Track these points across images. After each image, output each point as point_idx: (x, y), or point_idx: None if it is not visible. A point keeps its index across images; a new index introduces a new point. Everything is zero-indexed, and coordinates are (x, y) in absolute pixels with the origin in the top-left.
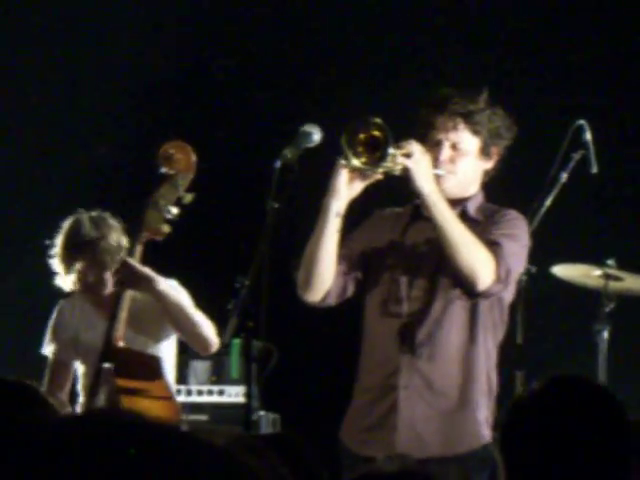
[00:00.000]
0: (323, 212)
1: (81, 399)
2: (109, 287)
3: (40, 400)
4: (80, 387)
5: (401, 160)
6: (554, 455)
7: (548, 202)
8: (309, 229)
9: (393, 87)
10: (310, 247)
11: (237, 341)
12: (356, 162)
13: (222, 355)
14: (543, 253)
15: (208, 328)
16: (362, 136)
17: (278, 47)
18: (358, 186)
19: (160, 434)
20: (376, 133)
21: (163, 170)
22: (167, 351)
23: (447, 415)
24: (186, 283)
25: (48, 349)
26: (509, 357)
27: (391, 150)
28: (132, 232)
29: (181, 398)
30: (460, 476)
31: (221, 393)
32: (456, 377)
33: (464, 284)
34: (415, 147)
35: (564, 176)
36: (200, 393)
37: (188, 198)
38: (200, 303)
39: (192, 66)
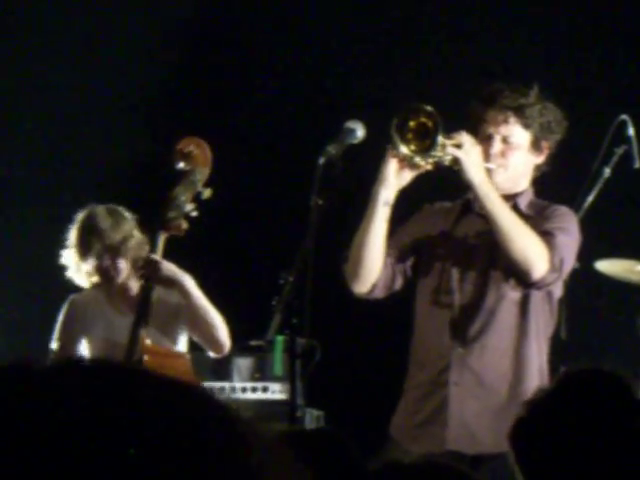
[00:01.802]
0: (372, 201)
1: None
2: (123, 277)
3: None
4: None
5: (451, 150)
6: (570, 452)
7: (591, 197)
8: (353, 225)
9: (441, 82)
10: (358, 236)
11: (281, 338)
12: (405, 149)
13: (266, 352)
14: (586, 248)
15: (223, 330)
16: (412, 123)
17: (323, 41)
18: (407, 176)
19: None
20: (426, 120)
21: (180, 166)
22: (182, 348)
23: (498, 411)
24: (231, 280)
25: (56, 344)
26: (553, 353)
27: (440, 139)
28: (152, 229)
29: (224, 395)
30: (510, 473)
31: (265, 390)
32: (507, 373)
33: (519, 273)
34: (466, 138)
35: (607, 171)
36: (244, 390)
37: (207, 193)
38: (245, 300)
39: (233, 60)
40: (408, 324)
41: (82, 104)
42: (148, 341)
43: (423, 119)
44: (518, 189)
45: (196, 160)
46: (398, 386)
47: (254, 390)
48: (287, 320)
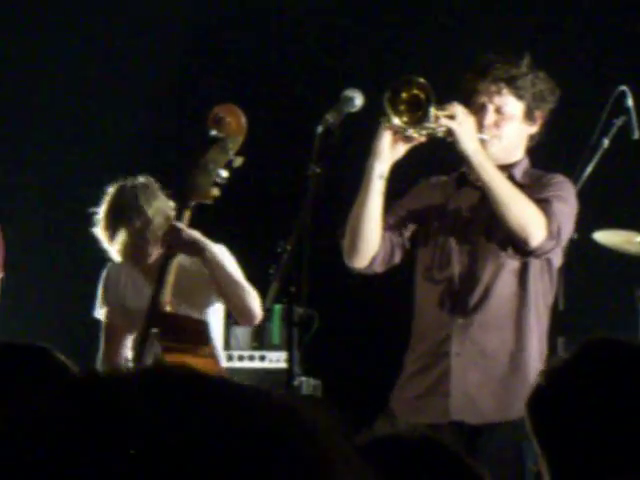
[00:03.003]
0: (366, 174)
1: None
2: (153, 258)
3: (58, 365)
4: (129, 354)
5: (444, 122)
6: (590, 420)
7: (590, 168)
8: (352, 195)
9: (437, 53)
10: (354, 210)
11: (278, 306)
12: (397, 121)
13: (263, 320)
14: (585, 219)
15: (254, 299)
16: (404, 95)
17: (320, 11)
18: (401, 148)
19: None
20: (418, 92)
21: (213, 133)
22: (213, 319)
23: (500, 381)
24: (228, 248)
25: (101, 312)
26: (551, 324)
27: (433, 110)
28: (181, 195)
29: (222, 364)
30: (513, 442)
31: (262, 359)
32: (508, 342)
33: (517, 242)
34: (458, 108)
35: (606, 142)
36: (241, 358)
37: (238, 161)
38: (242, 268)
39: (231, 33)
40: (406, 293)
41: (110, 74)
42: (168, 308)
43: (415, 91)
44: (513, 159)
45: (229, 127)
46: (396, 356)
47: (252, 359)
48: (285, 289)
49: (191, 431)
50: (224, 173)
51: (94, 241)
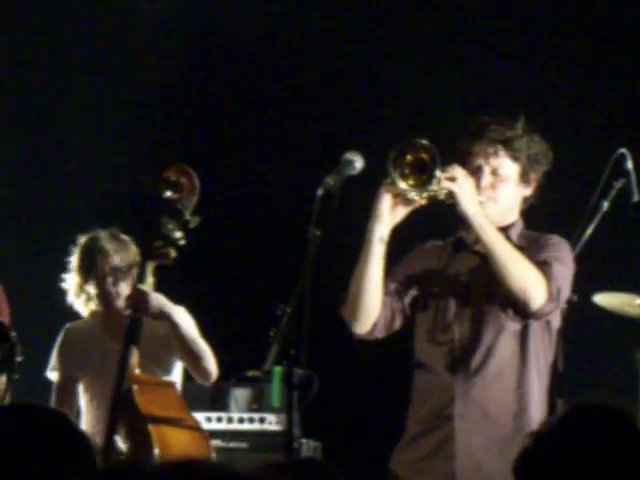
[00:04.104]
0: (367, 237)
1: (85, 423)
2: (122, 301)
3: (77, 433)
4: (84, 409)
5: (445, 184)
6: None
7: (589, 231)
8: (351, 257)
9: (436, 115)
10: (355, 275)
11: (278, 369)
12: (402, 184)
13: (263, 382)
14: (584, 281)
15: (211, 359)
16: (409, 157)
17: (320, 73)
18: (402, 211)
19: None
20: (423, 155)
21: (167, 195)
22: (177, 378)
23: (503, 442)
24: (228, 310)
25: (54, 373)
26: (551, 385)
27: (438, 173)
28: (141, 258)
29: (222, 425)
30: None
31: (262, 421)
32: (510, 404)
33: (517, 304)
34: (459, 170)
35: (605, 205)
36: (241, 420)
37: (195, 221)
38: (242, 330)
39: (231, 94)
40: (405, 356)
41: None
42: (137, 371)
43: (421, 154)
44: (507, 222)
45: (183, 188)
46: (396, 418)
47: (251, 421)
48: (285, 351)
49: None
50: (180, 234)
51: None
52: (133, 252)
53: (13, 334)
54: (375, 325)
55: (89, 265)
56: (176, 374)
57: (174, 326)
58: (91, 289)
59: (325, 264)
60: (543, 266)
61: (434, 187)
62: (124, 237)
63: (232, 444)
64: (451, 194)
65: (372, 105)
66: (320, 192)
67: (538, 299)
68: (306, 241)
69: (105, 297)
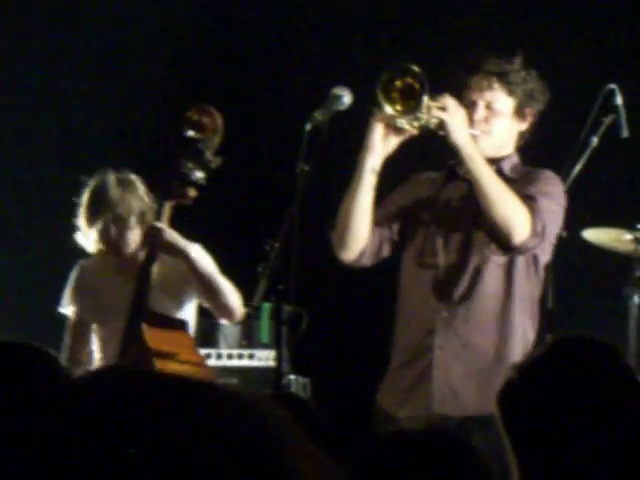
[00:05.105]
0: (358, 168)
1: (97, 360)
2: (132, 248)
3: (51, 362)
4: (96, 348)
5: (436, 112)
6: (559, 418)
7: (578, 166)
8: (339, 192)
9: (427, 50)
10: (345, 203)
11: (267, 305)
12: (390, 109)
13: (252, 319)
14: (574, 218)
15: (233, 296)
16: (398, 83)
17: (308, 8)
18: (393, 141)
19: (179, 386)
20: (412, 81)
21: (189, 134)
22: (190, 315)
23: (483, 373)
24: (216, 246)
25: (68, 309)
26: (540, 321)
27: (426, 100)
28: (160, 197)
29: (211, 362)
30: (496, 435)
31: (251, 357)
32: (492, 335)
33: (500, 238)
34: (449, 100)
35: (594, 140)
36: (230, 357)
37: (216, 162)
38: (230, 266)
39: (220, 27)
40: (394, 291)
41: (95, 73)
42: (150, 306)
43: (410, 79)
44: (502, 155)
45: (205, 128)
46: (384, 354)
47: (240, 357)
48: (273, 287)
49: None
50: (201, 174)
51: (68, 234)
52: (140, 196)
53: None
54: (363, 252)
55: (93, 213)
56: (189, 311)
57: (189, 261)
58: (96, 234)
59: (313, 199)
60: (529, 201)
61: (424, 115)
62: (132, 181)
63: (221, 380)
64: (442, 124)
65: (361, 39)
66: (308, 127)
67: (521, 234)
68: (294, 176)
69: (110, 245)
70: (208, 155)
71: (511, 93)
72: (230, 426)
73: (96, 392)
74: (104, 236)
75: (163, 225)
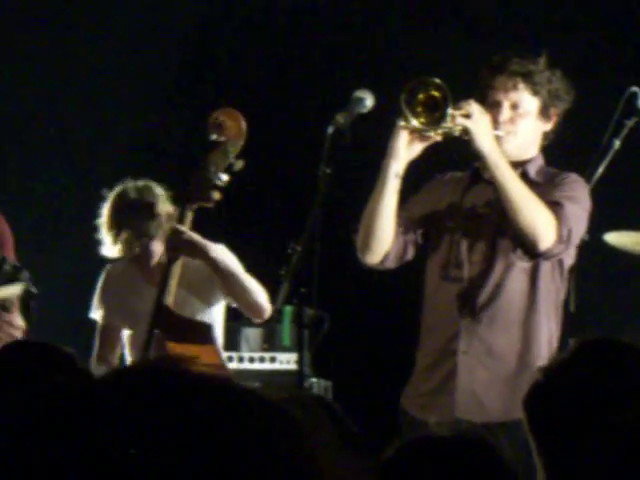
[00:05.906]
0: (382, 173)
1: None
2: (155, 258)
3: (72, 363)
4: (127, 352)
5: (460, 121)
6: (586, 420)
7: (601, 169)
8: (362, 195)
9: (449, 53)
10: (369, 207)
11: (289, 308)
12: (415, 122)
13: (274, 322)
14: (595, 221)
15: (260, 294)
16: (421, 96)
17: (331, 10)
18: (417, 147)
19: (201, 382)
20: (435, 93)
21: (213, 137)
22: (217, 316)
23: (506, 380)
24: (238, 249)
25: (97, 313)
26: (562, 325)
27: (450, 110)
28: (182, 199)
29: (233, 365)
30: (521, 440)
31: (273, 360)
32: (516, 342)
33: (526, 244)
34: (474, 107)
35: (617, 143)
36: (252, 360)
37: (239, 165)
38: (253, 269)
39: (244, 30)
40: (418, 294)
41: (115, 76)
42: (171, 309)
43: (432, 92)
44: (527, 156)
45: (229, 131)
46: (407, 357)
47: (262, 360)
48: (295, 290)
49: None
50: (225, 177)
51: (94, 243)
52: (162, 206)
53: (24, 274)
54: (387, 255)
55: (117, 228)
56: (216, 313)
57: (210, 261)
58: (121, 244)
59: (336, 202)
60: (555, 206)
61: (449, 124)
62: (152, 189)
63: (243, 384)
64: (466, 130)
65: (386, 42)
66: (330, 130)
67: (547, 240)
68: (316, 179)
69: (135, 258)
70: (231, 158)
71: (536, 93)
72: (258, 427)
73: (117, 388)
74: (128, 252)
75: (184, 228)
